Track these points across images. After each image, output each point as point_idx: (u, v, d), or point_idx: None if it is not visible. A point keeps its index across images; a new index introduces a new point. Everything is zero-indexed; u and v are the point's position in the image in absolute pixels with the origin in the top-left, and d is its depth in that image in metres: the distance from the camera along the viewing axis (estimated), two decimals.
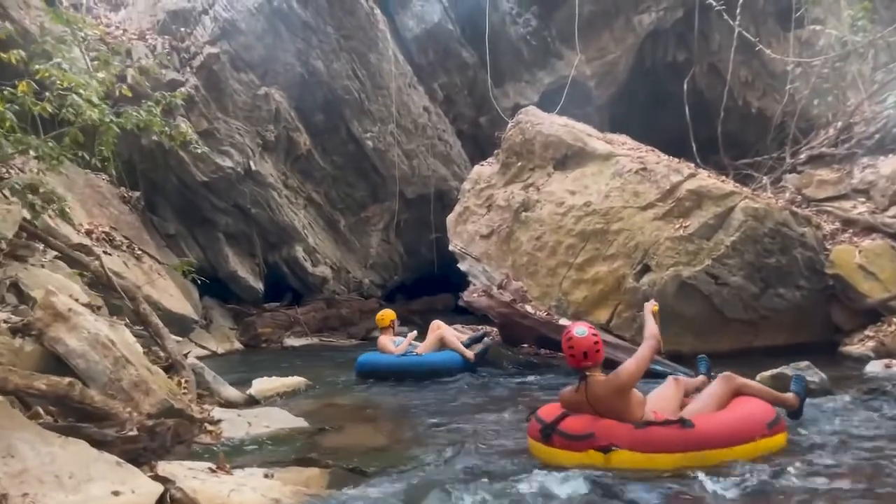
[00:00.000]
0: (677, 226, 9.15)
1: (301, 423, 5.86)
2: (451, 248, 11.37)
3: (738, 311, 9.12)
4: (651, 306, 4.79)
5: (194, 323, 11.12)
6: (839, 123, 12.35)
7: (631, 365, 4.15)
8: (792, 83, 13.12)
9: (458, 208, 11.62)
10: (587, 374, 4.16)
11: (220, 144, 13.05)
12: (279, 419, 5.88)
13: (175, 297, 11.13)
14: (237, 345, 13.78)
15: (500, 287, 9.35)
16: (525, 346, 9.30)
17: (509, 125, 11.07)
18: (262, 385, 7.46)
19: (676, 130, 13.92)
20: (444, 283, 17.07)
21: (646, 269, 9.23)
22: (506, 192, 10.81)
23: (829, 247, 9.75)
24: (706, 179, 9.36)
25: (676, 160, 9.98)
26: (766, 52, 13.36)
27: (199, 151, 8.77)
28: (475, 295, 9.49)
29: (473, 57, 16.77)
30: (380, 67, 15.04)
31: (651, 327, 4.55)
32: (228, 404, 6.90)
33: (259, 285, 14.70)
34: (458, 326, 10.18)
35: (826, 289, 9.49)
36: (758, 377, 6.54)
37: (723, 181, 9.60)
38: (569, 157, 10.47)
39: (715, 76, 15.67)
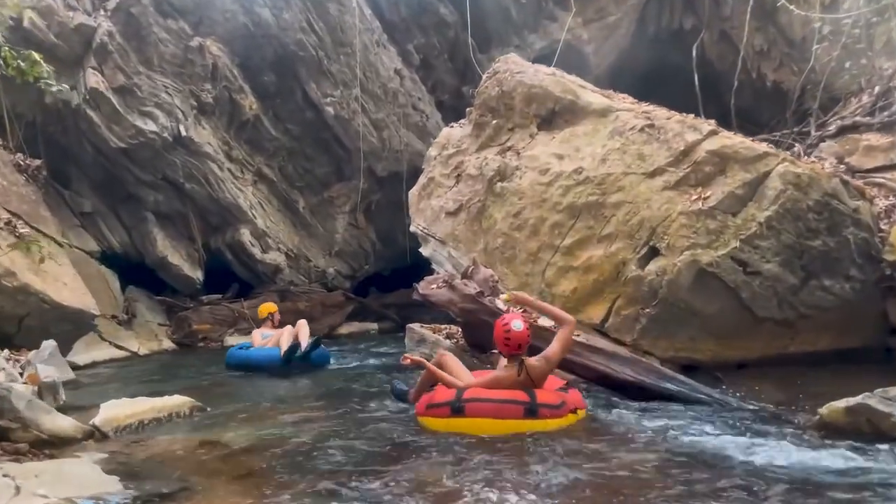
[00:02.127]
0: (694, 197, 7.04)
1: (112, 487, 3.69)
2: (412, 228, 9.24)
3: (771, 309, 7.02)
4: (505, 297, 5.48)
5: (93, 319, 8.97)
6: (876, 89, 10.22)
7: (557, 351, 5.08)
8: (819, 43, 10.96)
9: (421, 180, 9.48)
10: (523, 358, 4.94)
11: (142, 104, 10.89)
12: (77, 481, 3.72)
13: (71, 286, 8.99)
14: (167, 344, 11.69)
15: (464, 276, 7.23)
16: (494, 351, 7.19)
17: (484, 76, 8.90)
18: (118, 410, 5.33)
19: (683, 106, 11.69)
20: (424, 274, 15.17)
21: (653, 252, 7.12)
22: (478, 158, 8.67)
23: (883, 227, 7.62)
24: (732, 138, 7.22)
25: (692, 116, 7.84)
26: (789, 7, 11.21)
27: (55, 89, 6.57)
28: (433, 286, 7.38)
29: (454, 15, 14.53)
30: (341, 21, 12.86)
31: (546, 307, 5.49)
32: (56, 440, 4.79)
33: (197, 274, 12.57)
34: (414, 326, 8.08)
35: (882, 279, 7.36)
36: (824, 409, 4.43)
37: (753, 140, 7.45)
38: (557, 114, 8.33)
39: (726, 45, 13.47)
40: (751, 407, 5.56)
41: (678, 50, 13.44)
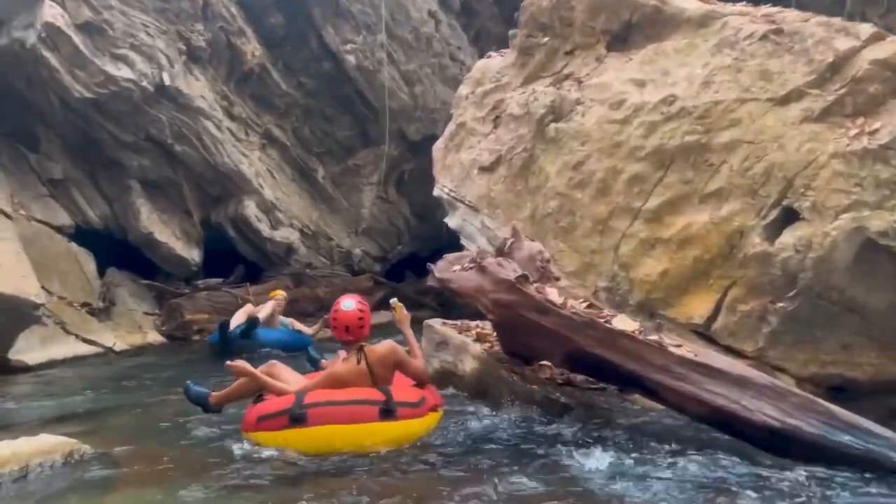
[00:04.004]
0: (854, 131, 4.60)
1: None
2: (435, 190, 6.99)
3: None
4: (395, 303, 4.58)
5: (37, 308, 7.07)
6: None
7: (414, 360, 4.32)
8: None
9: (449, 128, 7.17)
10: (362, 344, 4.06)
11: (113, 45, 8.91)
12: None
13: (7, 268, 7.08)
14: (153, 337, 9.79)
15: (500, 253, 4.94)
16: (544, 363, 4.88)
17: None
18: None
19: None
20: None
21: (788, 216, 4.72)
22: (524, 93, 6.32)
23: None
24: None
25: (838, 18, 5.34)
26: None
27: None
28: (456, 268, 5.13)
29: None
30: None
31: (412, 342, 4.49)
32: None
33: (192, 254, 10.62)
34: (434, 323, 5.88)
35: None
36: None
37: None
38: (634, 28, 5.94)
39: None
40: None
41: None
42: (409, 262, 14.33)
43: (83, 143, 9.85)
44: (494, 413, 4.66)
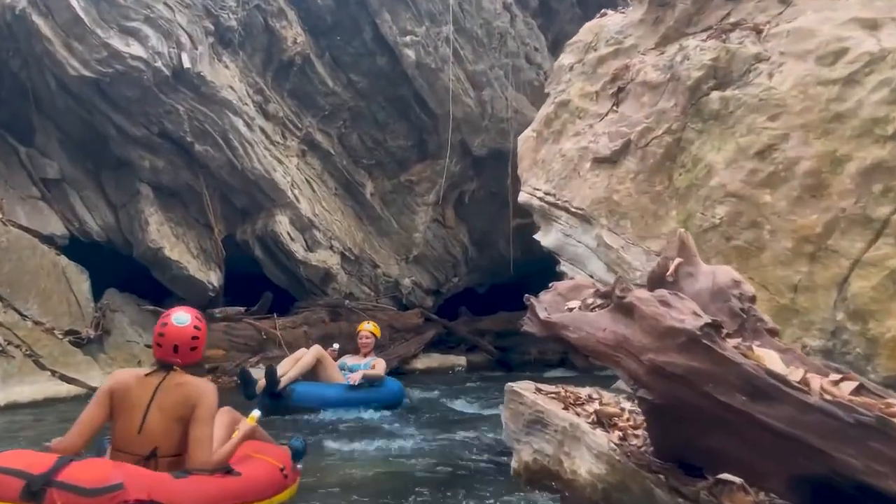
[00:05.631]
0: None
1: None
2: (522, 195, 4.99)
3: None
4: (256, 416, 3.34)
5: None
6: None
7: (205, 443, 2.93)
8: None
9: (542, 113, 5.21)
10: (174, 368, 3.07)
11: (124, 17, 7.26)
12: None
13: None
14: None
15: (655, 282, 2.89)
16: (732, 480, 2.75)
17: None
18: None
19: None
20: (532, 292, 10.78)
21: None
22: (662, 54, 4.33)
23: None
24: None
25: None
26: None
27: None
28: (573, 305, 3.11)
29: None
30: None
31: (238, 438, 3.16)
32: None
33: (211, 277, 8.81)
34: (521, 388, 3.86)
35: None
36: None
37: None
38: None
39: None
40: None
41: None
42: (465, 298, 12.37)
43: (85, 138, 8.22)
44: None
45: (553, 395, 3.86)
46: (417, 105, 9.98)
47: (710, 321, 2.51)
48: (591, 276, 3.96)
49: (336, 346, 6.71)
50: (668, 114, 4.00)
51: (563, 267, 4.44)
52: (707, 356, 2.48)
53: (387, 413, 6.20)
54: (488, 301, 12.55)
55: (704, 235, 3.67)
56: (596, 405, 3.67)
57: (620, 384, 8.28)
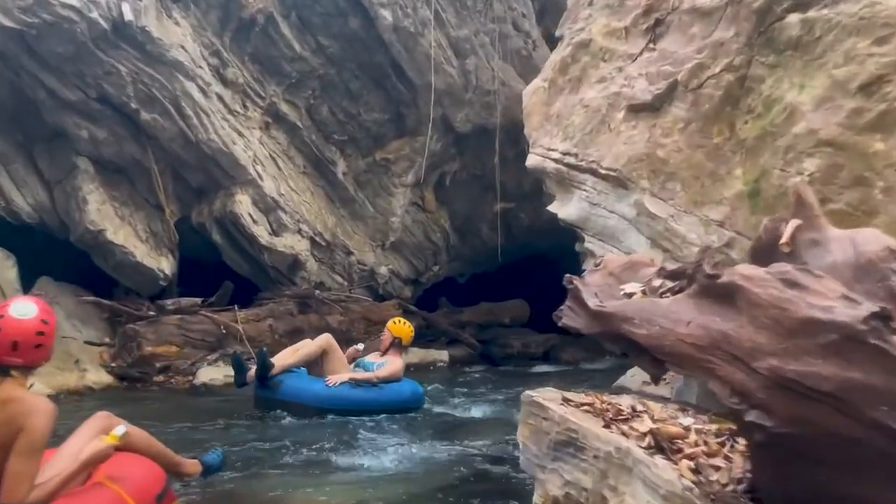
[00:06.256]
0: None
1: None
2: (530, 159, 4.07)
3: None
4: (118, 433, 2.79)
5: None
6: None
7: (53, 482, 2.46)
8: None
9: (555, 57, 4.28)
10: (12, 373, 2.60)
11: None
12: None
13: None
14: (97, 377, 6.92)
15: (760, 253, 2.00)
16: None
17: None
18: None
19: None
20: (514, 282, 11.14)
21: None
22: None
23: None
24: None
25: None
26: None
27: None
28: (631, 289, 2.19)
29: None
30: None
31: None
32: None
33: (162, 265, 7.79)
34: (545, 399, 2.95)
35: None
36: None
37: None
38: None
39: None
40: None
41: None
42: (445, 288, 11.51)
43: (14, 104, 7.12)
44: None
45: (587, 408, 2.96)
46: (395, 74, 9.03)
47: (877, 309, 1.63)
48: (628, 255, 3.09)
49: (361, 346, 6.09)
50: (728, 46, 3.13)
51: (589, 244, 3.55)
52: (877, 363, 1.60)
53: (384, 417, 5.40)
54: (468, 291, 11.73)
55: (785, 199, 2.81)
56: (646, 421, 2.78)
57: (624, 381, 7.26)
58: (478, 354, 10.69)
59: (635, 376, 7.09)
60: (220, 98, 7.77)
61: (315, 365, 5.60)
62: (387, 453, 4.03)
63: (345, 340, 8.26)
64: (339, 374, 5.54)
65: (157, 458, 3.03)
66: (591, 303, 2.20)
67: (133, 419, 5.20)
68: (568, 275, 2.41)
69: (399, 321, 6.21)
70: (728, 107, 3.07)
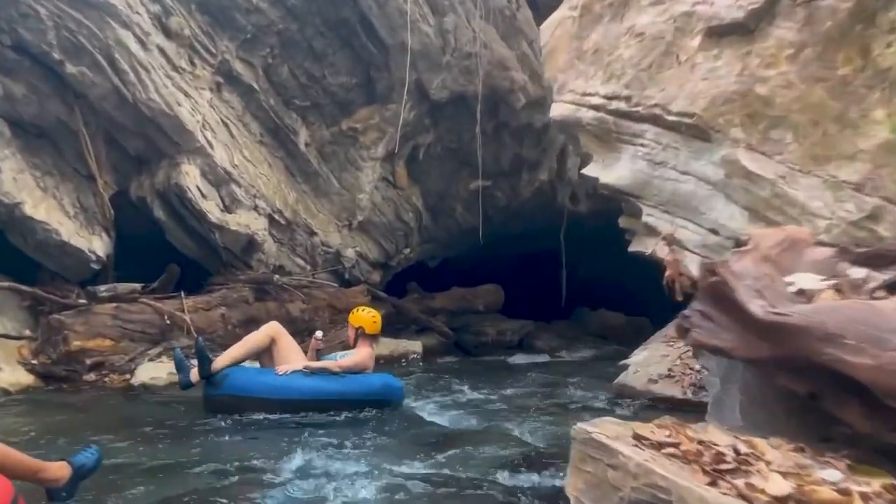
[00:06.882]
0: None
1: None
2: (556, 111, 3.15)
3: None
4: None
5: None
6: None
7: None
8: None
9: None
10: None
11: None
12: None
13: None
14: (16, 377, 5.98)
15: None
16: None
17: None
18: None
19: None
20: (491, 267, 10.90)
21: None
22: None
23: None
24: None
25: None
26: None
27: None
28: (803, 282, 1.28)
29: None
30: None
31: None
32: None
33: (94, 245, 6.69)
34: (601, 434, 2.03)
35: None
36: None
37: None
38: None
39: None
40: None
41: None
42: (415, 273, 10.67)
43: None
44: None
45: (671, 449, 2.08)
46: (364, 32, 8.03)
47: None
48: (716, 232, 2.22)
49: (320, 333, 5.47)
50: None
51: (650, 218, 2.65)
52: None
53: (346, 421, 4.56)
54: (439, 276, 10.91)
55: None
56: (772, 476, 1.91)
57: (625, 379, 6.39)
58: (452, 344, 9.92)
59: (638, 372, 6.27)
60: (163, 51, 6.66)
61: (265, 356, 5.01)
62: (339, 480, 3.08)
63: (307, 331, 7.39)
64: (292, 363, 4.83)
65: (8, 467, 2.59)
66: (756, 307, 1.33)
67: (63, 433, 4.23)
68: (707, 261, 1.52)
69: (361, 309, 5.41)
70: (859, 24, 2.20)
